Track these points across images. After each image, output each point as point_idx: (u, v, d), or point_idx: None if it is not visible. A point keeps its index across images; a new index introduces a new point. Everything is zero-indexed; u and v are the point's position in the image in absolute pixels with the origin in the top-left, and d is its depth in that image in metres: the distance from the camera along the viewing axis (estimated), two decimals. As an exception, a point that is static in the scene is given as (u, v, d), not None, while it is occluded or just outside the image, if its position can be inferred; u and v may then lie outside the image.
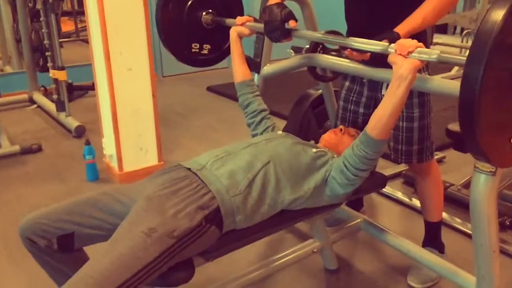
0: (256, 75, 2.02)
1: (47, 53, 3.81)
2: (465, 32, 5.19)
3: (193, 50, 1.94)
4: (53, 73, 3.81)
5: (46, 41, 3.77)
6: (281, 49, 2.54)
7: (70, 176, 3.01)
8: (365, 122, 1.91)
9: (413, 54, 1.25)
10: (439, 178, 1.98)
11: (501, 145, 0.99)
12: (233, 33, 1.81)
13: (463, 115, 0.90)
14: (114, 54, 2.70)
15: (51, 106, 4.09)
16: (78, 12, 7.23)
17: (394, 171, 2.85)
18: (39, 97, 4.43)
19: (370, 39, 1.44)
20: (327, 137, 1.75)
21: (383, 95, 1.77)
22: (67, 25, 7.54)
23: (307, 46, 1.98)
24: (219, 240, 1.38)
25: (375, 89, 1.84)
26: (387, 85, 1.74)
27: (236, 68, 1.81)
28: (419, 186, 1.98)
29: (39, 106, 4.42)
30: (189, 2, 1.87)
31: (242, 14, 1.93)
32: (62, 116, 3.89)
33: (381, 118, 1.33)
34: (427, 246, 1.99)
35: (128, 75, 2.77)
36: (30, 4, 4.50)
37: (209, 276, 1.94)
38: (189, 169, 1.44)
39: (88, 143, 2.94)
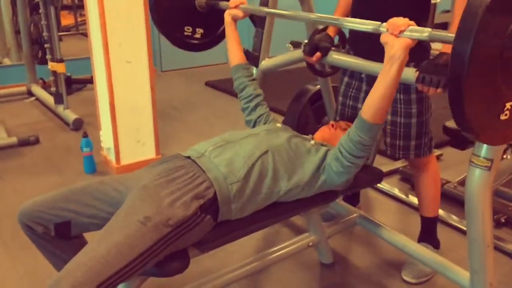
0: (254, 69, 2.01)
1: (46, 46, 3.79)
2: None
3: (185, 33, 1.91)
4: (51, 66, 3.79)
5: (45, 34, 3.75)
6: (280, 45, 2.54)
7: (67, 169, 3.01)
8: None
9: (405, 33, 1.22)
10: (438, 174, 1.98)
11: (489, 121, 0.98)
12: (227, 16, 1.81)
13: (452, 90, 0.91)
14: (113, 46, 2.69)
15: (49, 99, 4.07)
16: (78, 6, 7.21)
17: (391, 168, 2.85)
18: (37, 90, 4.42)
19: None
20: (320, 134, 1.75)
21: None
22: (67, 19, 7.51)
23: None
24: (214, 231, 1.38)
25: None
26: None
27: (232, 51, 1.81)
28: (417, 181, 1.99)
29: (37, 99, 4.41)
30: None
31: None
32: (60, 108, 3.88)
33: (374, 100, 1.32)
34: (422, 241, 1.99)
35: (127, 67, 2.76)
36: (29, -4, 4.49)
37: (204, 268, 1.94)
38: (188, 157, 1.45)
39: (85, 135, 2.94)
